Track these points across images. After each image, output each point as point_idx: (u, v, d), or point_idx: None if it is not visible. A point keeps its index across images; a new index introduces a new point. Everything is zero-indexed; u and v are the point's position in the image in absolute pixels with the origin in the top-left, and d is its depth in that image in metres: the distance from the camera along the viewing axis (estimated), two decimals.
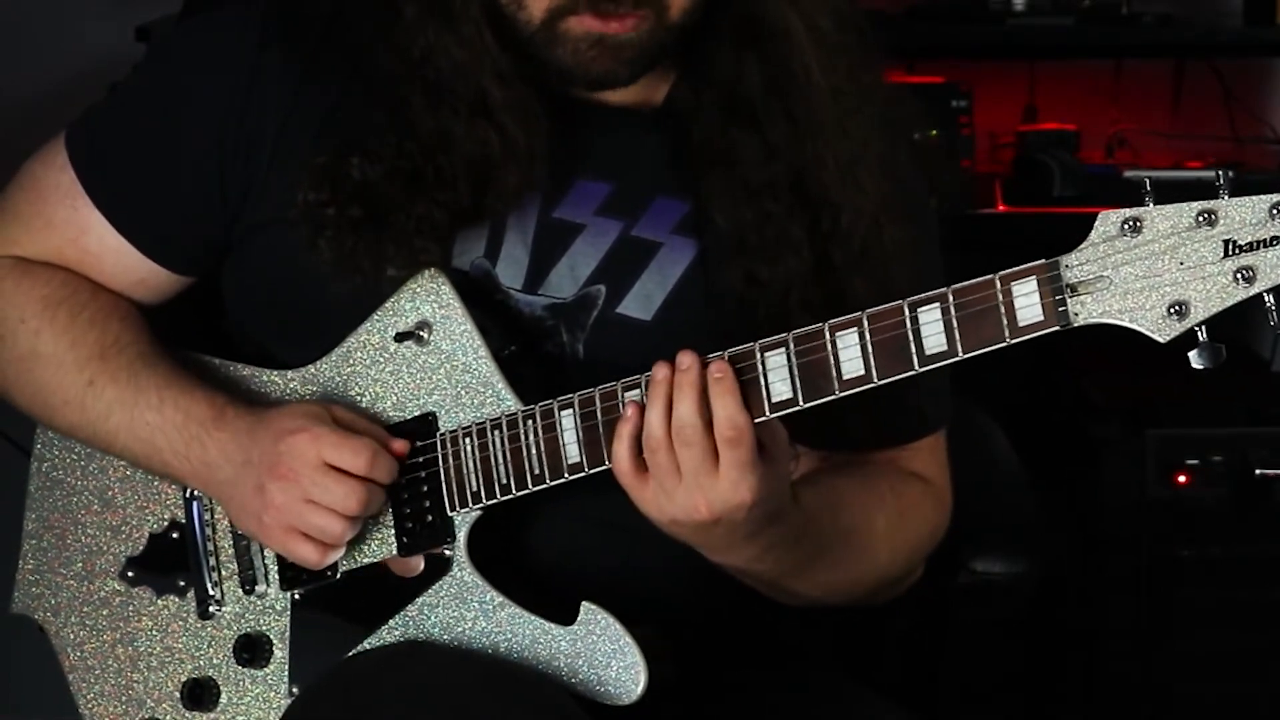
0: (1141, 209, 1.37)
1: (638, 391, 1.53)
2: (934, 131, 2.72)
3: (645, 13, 1.60)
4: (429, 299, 1.64)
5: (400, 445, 1.62)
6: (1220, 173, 1.35)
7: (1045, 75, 3.14)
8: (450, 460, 1.61)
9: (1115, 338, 1.42)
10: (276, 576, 1.68)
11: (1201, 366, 1.37)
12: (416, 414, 1.64)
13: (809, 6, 1.65)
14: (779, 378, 1.49)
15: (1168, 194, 1.38)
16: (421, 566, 1.63)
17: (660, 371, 1.50)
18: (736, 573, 1.62)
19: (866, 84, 1.67)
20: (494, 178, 1.62)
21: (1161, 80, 3.14)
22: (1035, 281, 1.40)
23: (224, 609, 1.70)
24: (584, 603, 1.57)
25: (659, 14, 1.61)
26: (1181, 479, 2.62)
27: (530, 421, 1.58)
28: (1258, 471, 2.61)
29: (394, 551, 1.64)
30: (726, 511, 1.49)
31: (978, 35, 2.98)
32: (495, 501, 1.60)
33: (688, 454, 1.48)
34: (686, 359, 1.49)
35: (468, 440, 1.61)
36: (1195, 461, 2.61)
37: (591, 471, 1.55)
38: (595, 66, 1.62)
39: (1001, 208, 2.93)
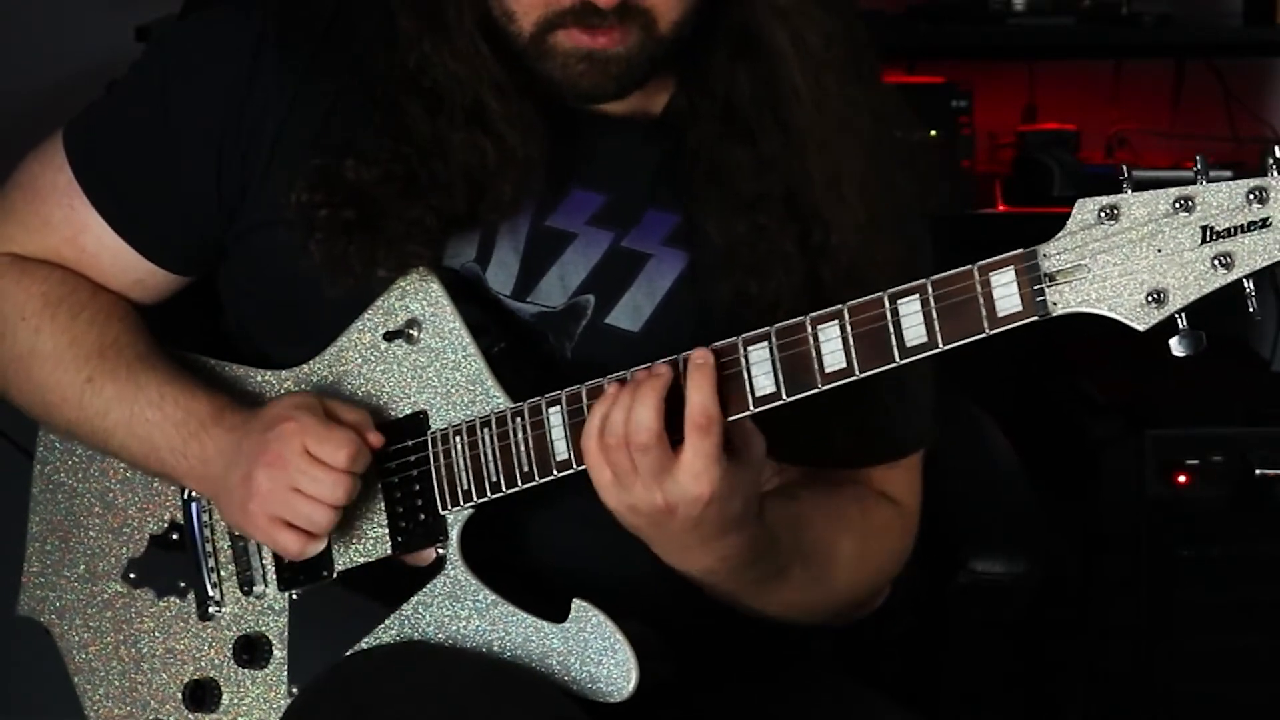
0: (1118, 196, 1.37)
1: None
2: (934, 132, 2.74)
3: (631, 27, 1.60)
4: (419, 297, 1.64)
5: (375, 438, 1.62)
6: (1198, 158, 1.35)
7: (1045, 75, 3.14)
8: (441, 459, 1.62)
9: (1112, 335, 1.41)
10: (274, 577, 1.69)
11: (1182, 354, 1.36)
12: (408, 412, 1.64)
13: (797, 23, 1.64)
14: (761, 371, 1.48)
15: None
16: (434, 555, 1.63)
17: (641, 374, 1.50)
18: (696, 581, 1.61)
19: (856, 99, 1.66)
20: (489, 187, 1.63)
21: (1161, 80, 3.14)
22: (1013, 271, 1.40)
23: (223, 610, 1.71)
24: (575, 600, 1.57)
25: (646, 28, 1.60)
26: (1181, 479, 2.61)
27: (519, 419, 1.58)
28: (1258, 471, 2.60)
29: (388, 551, 1.64)
30: (684, 503, 1.49)
31: (978, 35, 2.99)
32: (486, 500, 1.60)
33: (644, 459, 1.48)
34: (663, 367, 1.50)
35: (458, 438, 1.61)
36: (1195, 461, 2.60)
37: (580, 468, 1.55)
38: (584, 81, 1.62)
39: (1001, 208, 2.94)
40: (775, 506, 1.60)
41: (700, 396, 1.47)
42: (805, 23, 1.64)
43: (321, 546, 1.63)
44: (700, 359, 1.48)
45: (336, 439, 1.59)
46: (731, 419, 1.49)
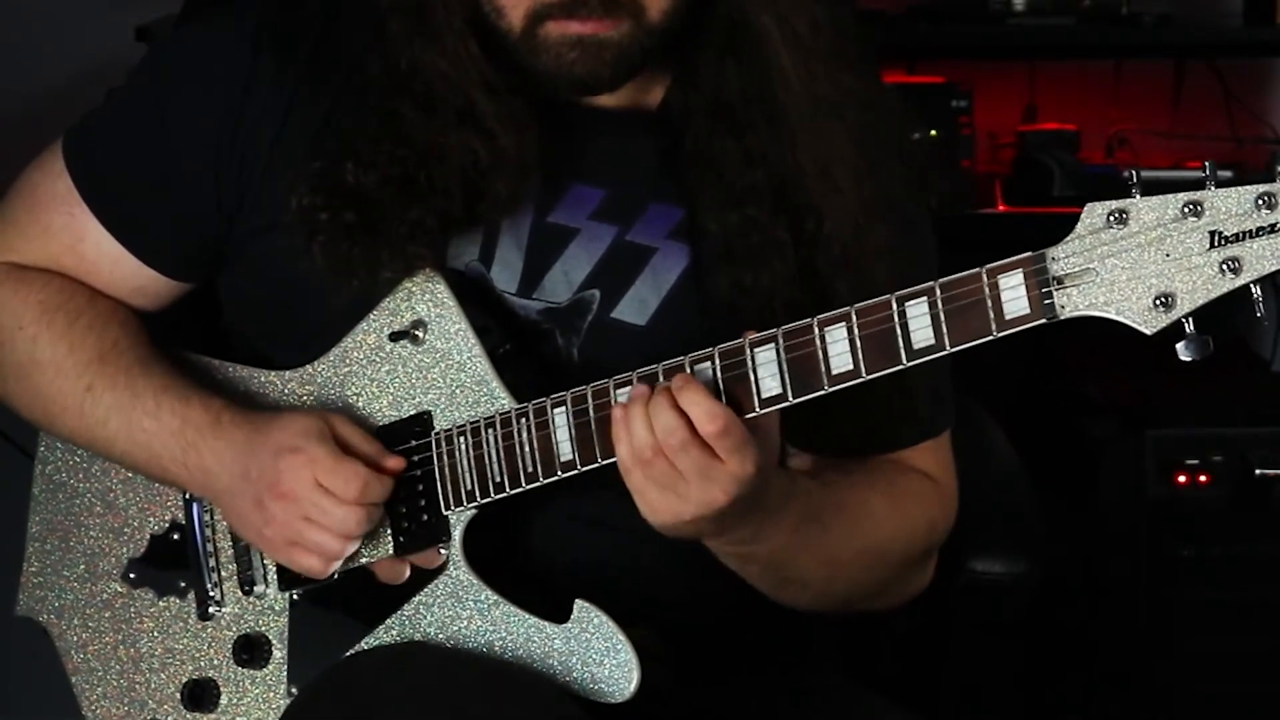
0: (1127, 200, 1.37)
1: (630, 389, 1.53)
2: (934, 131, 2.74)
3: (620, 16, 1.60)
4: (424, 298, 1.64)
5: (394, 463, 1.62)
6: (1207, 164, 1.35)
7: (1045, 75, 3.14)
8: (445, 459, 1.62)
9: (1113, 336, 1.41)
10: (275, 577, 1.68)
11: (1189, 358, 1.37)
12: (412, 413, 1.64)
13: (785, 11, 1.64)
14: (768, 373, 1.49)
15: (1164, 193, 1.38)
16: (407, 574, 1.63)
17: (641, 389, 1.50)
18: (740, 560, 1.61)
19: (846, 88, 1.66)
20: (486, 187, 1.63)
21: (1161, 80, 3.14)
22: (1021, 274, 1.40)
23: (223, 609, 1.71)
24: (577, 600, 1.57)
25: (635, 16, 1.60)
26: (1181, 479, 2.62)
27: (524, 420, 1.58)
28: (1258, 471, 2.61)
29: (390, 551, 1.64)
30: (739, 489, 1.49)
31: (978, 35, 2.99)
32: (489, 500, 1.60)
33: (685, 459, 1.48)
34: (642, 387, 1.50)
35: (462, 439, 1.61)
36: (1195, 461, 2.61)
37: (584, 469, 1.56)
38: (577, 69, 1.62)
39: (1001, 208, 2.95)
40: (800, 472, 1.61)
41: (698, 409, 1.47)
42: (792, 10, 1.65)
43: (341, 564, 1.63)
44: (679, 383, 1.48)
45: (346, 473, 1.59)
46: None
